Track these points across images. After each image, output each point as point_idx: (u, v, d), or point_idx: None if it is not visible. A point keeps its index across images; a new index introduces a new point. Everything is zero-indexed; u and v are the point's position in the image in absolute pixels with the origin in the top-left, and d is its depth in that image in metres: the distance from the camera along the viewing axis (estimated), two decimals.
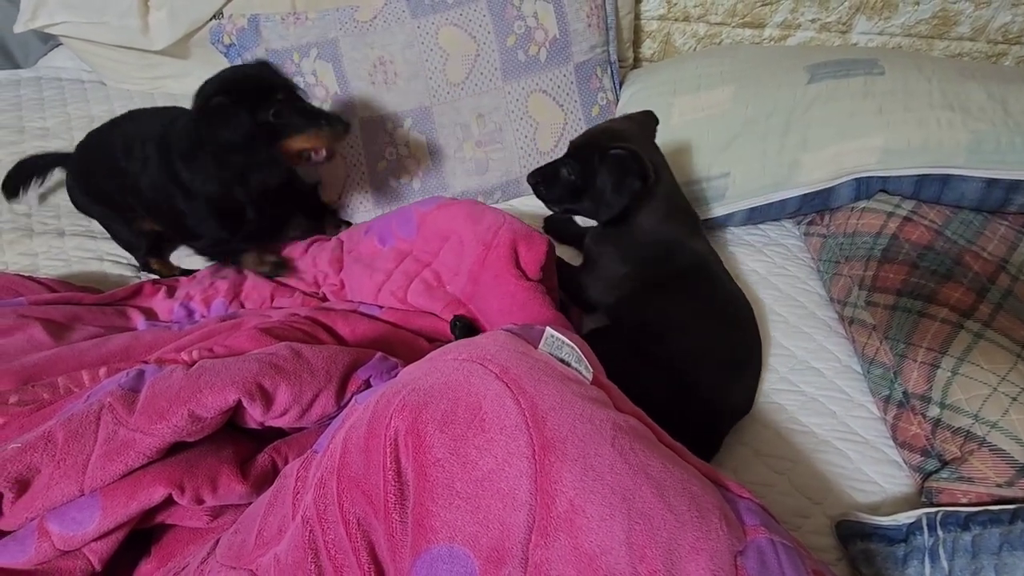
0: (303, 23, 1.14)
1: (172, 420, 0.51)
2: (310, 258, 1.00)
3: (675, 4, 1.29)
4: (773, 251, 1.03)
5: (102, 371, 0.64)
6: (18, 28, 1.40)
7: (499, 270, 0.74)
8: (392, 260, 0.86)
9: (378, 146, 1.12)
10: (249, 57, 1.13)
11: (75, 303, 0.87)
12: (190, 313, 0.91)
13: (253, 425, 0.58)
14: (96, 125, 1.44)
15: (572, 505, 0.42)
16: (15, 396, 0.60)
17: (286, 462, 0.59)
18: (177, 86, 1.57)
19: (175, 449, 0.54)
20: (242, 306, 0.92)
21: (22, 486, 0.49)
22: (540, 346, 0.56)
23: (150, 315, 0.90)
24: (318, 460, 0.51)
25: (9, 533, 0.51)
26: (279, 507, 0.51)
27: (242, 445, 0.59)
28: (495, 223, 0.78)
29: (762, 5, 1.25)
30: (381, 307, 0.84)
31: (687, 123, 1.04)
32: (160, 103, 1.53)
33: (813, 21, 1.25)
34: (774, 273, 0.99)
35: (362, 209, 1.13)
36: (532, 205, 1.17)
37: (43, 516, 0.50)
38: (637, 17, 1.31)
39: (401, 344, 0.76)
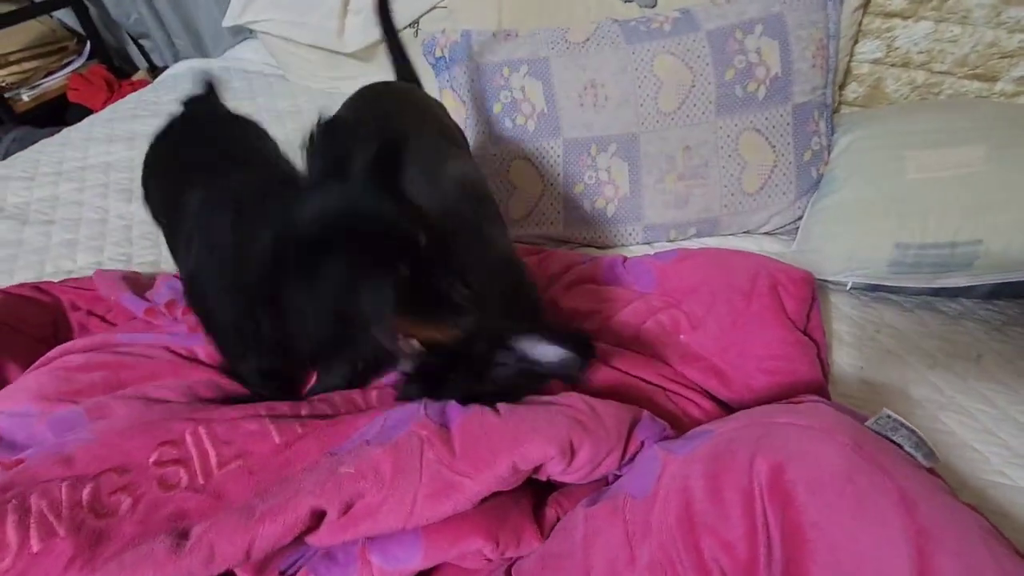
0: (514, 40, 1.13)
1: (497, 470, 0.50)
2: None
3: (896, 48, 1.21)
4: (1016, 331, 0.93)
5: (374, 394, 0.64)
6: (227, 22, 1.48)
7: (764, 320, 0.69)
8: (620, 299, 0.82)
9: (578, 168, 1.10)
10: (459, 70, 1.13)
11: None
12: None
13: (540, 477, 0.56)
14: (281, 119, 1.51)
15: None
16: (307, 408, 0.60)
17: (564, 513, 0.57)
18: (353, 87, 1.61)
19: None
20: None
21: (347, 508, 0.49)
22: (868, 424, 0.52)
23: None
24: (645, 505, 0.51)
25: (320, 553, 0.50)
26: (601, 549, 0.51)
27: (529, 496, 0.57)
28: (750, 270, 0.74)
29: (1000, 57, 1.15)
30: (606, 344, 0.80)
31: (929, 180, 0.95)
32: (338, 101, 1.58)
33: None
34: (1022, 357, 0.88)
35: (551, 230, 1.11)
36: (728, 246, 1.11)
37: (366, 547, 0.50)
38: (849, 59, 1.24)
39: (638, 396, 0.71)
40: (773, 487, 0.47)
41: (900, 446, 0.52)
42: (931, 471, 0.54)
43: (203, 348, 0.74)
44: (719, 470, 0.50)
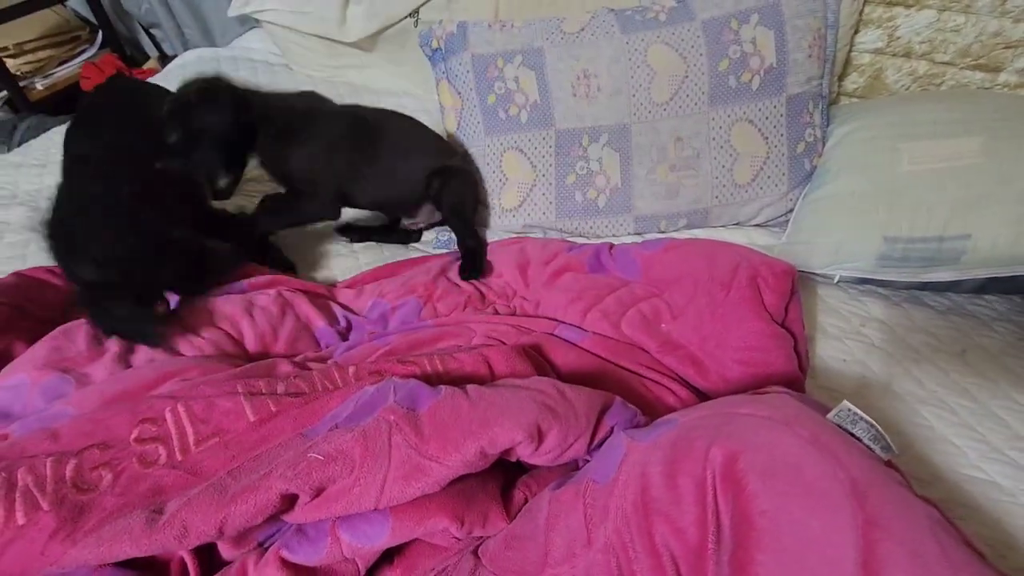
0: (509, 30, 1.14)
1: (465, 454, 0.51)
2: (492, 262, 1.00)
3: (897, 38, 1.19)
4: (1003, 327, 0.92)
5: (351, 370, 0.66)
6: (232, 12, 1.50)
7: (743, 311, 0.70)
8: (604, 287, 0.83)
9: (570, 159, 1.10)
10: (455, 62, 1.14)
11: (286, 287, 0.90)
12: (382, 311, 0.93)
13: (510, 459, 0.58)
14: None
15: None
16: (282, 385, 0.62)
17: (532, 495, 0.59)
18: (357, 76, 1.63)
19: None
20: (435, 309, 0.92)
21: (318, 492, 0.51)
22: (829, 416, 0.53)
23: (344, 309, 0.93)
24: (606, 490, 0.52)
25: (294, 528, 0.53)
26: (561, 531, 0.52)
27: (496, 478, 0.59)
28: (732, 261, 0.74)
29: (1004, 47, 1.12)
30: (585, 331, 0.81)
31: (922, 173, 0.94)
32: (341, 90, 1.60)
33: None
34: (1007, 352, 0.88)
35: (543, 220, 1.12)
36: (718, 238, 1.11)
37: (336, 524, 0.52)
38: (850, 49, 1.22)
39: (615, 382, 0.73)
40: (726, 475, 0.48)
41: (859, 439, 0.52)
42: (890, 464, 0.55)
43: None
44: (677, 457, 0.51)
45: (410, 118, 1.12)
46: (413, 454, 0.51)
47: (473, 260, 1.00)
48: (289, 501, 0.52)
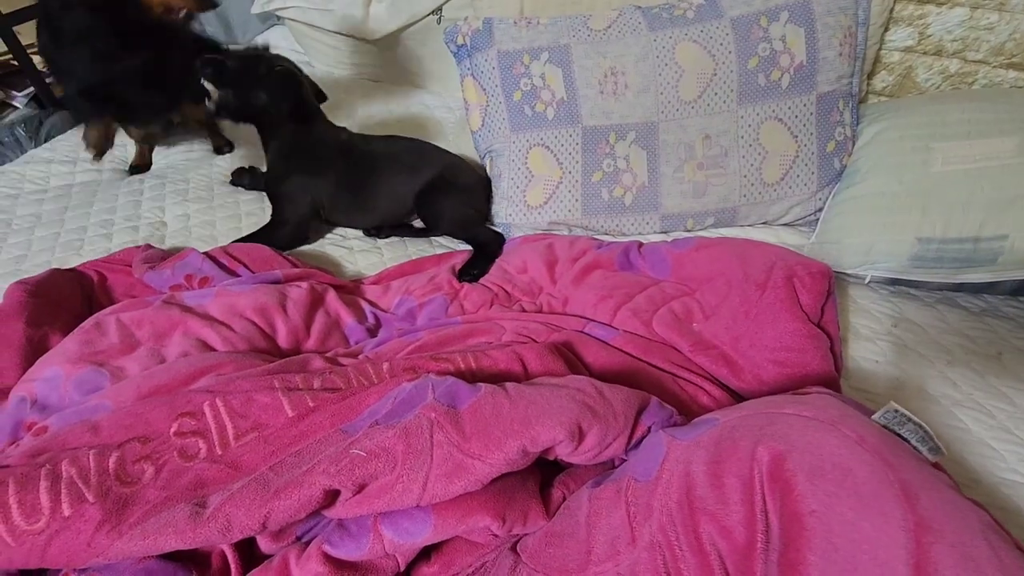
0: (535, 27, 1.13)
1: (507, 452, 0.51)
2: (518, 259, 1.00)
3: (928, 36, 1.17)
4: None
5: (385, 366, 0.66)
6: (255, 9, 1.50)
7: (777, 311, 0.69)
8: (634, 285, 0.83)
9: (597, 156, 1.10)
10: (480, 58, 1.13)
11: (317, 281, 0.90)
12: (410, 308, 0.92)
13: (548, 457, 0.57)
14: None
15: None
16: (318, 381, 0.62)
17: (570, 493, 0.58)
18: (376, 74, 1.63)
19: None
20: (461, 307, 0.92)
21: (360, 488, 0.51)
22: (875, 417, 0.52)
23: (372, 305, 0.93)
24: (648, 488, 0.52)
25: (335, 523, 0.53)
26: (603, 529, 0.53)
27: (535, 475, 0.59)
28: (767, 261, 0.73)
29: None
30: (616, 329, 0.81)
31: (955, 173, 0.93)
32: (360, 89, 1.60)
33: None
34: None
35: (569, 217, 1.11)
36: (745, 235, 1.11)
37: (378, 520, 0.52)
38: (879, 47, 1.21)
39: (648, 381, 0.72)
40: (773, 475, 0.48)
41: (906, 440, 0.52)
42: (936, 466, 0.54)
43: (214, 305, 0.78)
44: (722, 457, 0.51)
45: (400, 139, 1.19)
46: (455, 452, 0.51)
47: (473, 262, 1.02)
48: (331, 496, 0.52)
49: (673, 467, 0.52)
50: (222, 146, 1.38)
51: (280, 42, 1.78)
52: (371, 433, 0.54)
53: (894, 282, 0.98)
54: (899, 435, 0.52)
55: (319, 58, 1.65)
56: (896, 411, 0.52)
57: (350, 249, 1.13)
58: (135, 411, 0.59)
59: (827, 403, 0.54)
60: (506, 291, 0.95)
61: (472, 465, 0.51)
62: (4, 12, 1.67)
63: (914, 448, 0.52)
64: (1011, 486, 0.71)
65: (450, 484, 0.50)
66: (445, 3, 1.40)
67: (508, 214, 1.13)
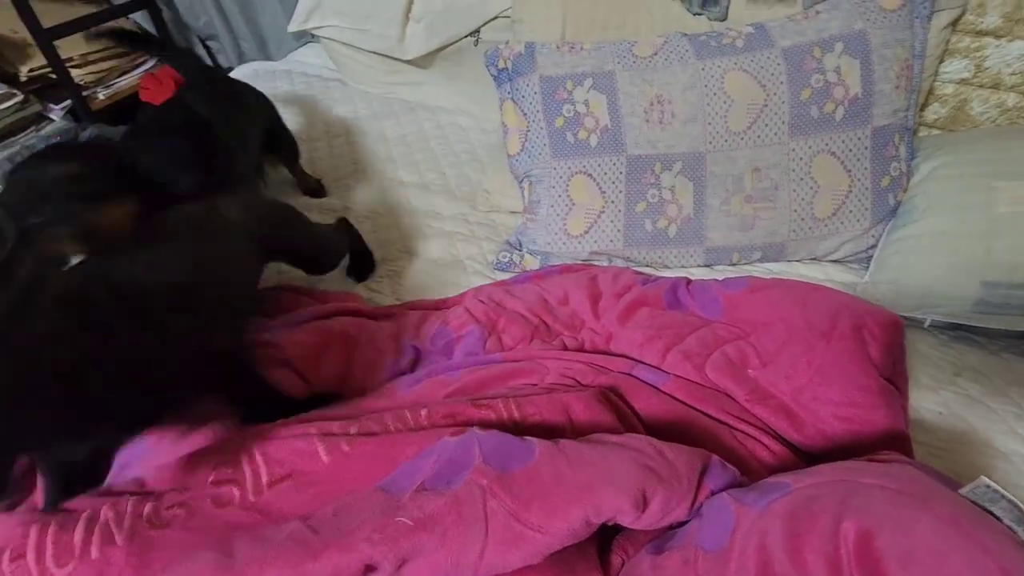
0: (578, 52, 1.11)
1: (570, 523, 0.48)
2: (559, 290, 0.96)
3: (985, 68, 1.13)
4: None
5: (423, 412, 0.63)
6: (292, 27, 1.50)
7: (846, 364, 0.65)
8: (684, 325, 0.79)
9: (641, 186, 1.06)
10: (522, 83, 1.11)
11: (353, 313, 0.88)
12: (447, 340, 0.89)
13: (607, 524, 0.54)
14: (339, 123, 1.53)
15: None
16: (355, 427, 0.59)
17: (628, 558, 0.55)
18: (410, 94, 1.62)
19: None
20: (500, 341, 0.89)
21: (403, 561, 0.48)
22: (964, 492, 0.48)
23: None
24: (719, 561, 0.49)
25: None
26: None
27: (594, 542, 0.55)
28: (831, 309, 0.69)
29: None
30: (666, 373, 0.77)
31: (1022, 214, 0.88)
32: (395, 107, 1.59)
33: None
34: None
35: (610, 247, 1.08)
36: (794, 273, 1.07)
37: None
38: (933, 78, 1.17)
39: (703, 433, 0.68)
40: (862, 555, 0.44)
41: (999, 519, 0.47)
42: None
43: None
44: (801, 530, 0.47)
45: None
46: (513, 522, 0.48)
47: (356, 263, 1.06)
48: (370, 570, 0.48)
49: (746, 539, 0.48)
50: None
51: (314, 60, 1.79)
52: (418, 500, 0.50)
53: (955, 327, 0.93)
54: (991, 513, 0.48)
55: (353, 76, 1.65)
56: (988, 486, 0.49)
57: (386, 274, 1.10)
58: (177, 465, 0.57)
59: (912, 476, 0.50)
60: (546, 324, 0.91)
61: (533, 537, 0.47)
62: (44, 26, 1.70)
63: (1008, 528, 0.48)
64: None
65: (507, 555, 0.47)
66: (483, 25, 1.38)
67: (547, 242, 1.10)
